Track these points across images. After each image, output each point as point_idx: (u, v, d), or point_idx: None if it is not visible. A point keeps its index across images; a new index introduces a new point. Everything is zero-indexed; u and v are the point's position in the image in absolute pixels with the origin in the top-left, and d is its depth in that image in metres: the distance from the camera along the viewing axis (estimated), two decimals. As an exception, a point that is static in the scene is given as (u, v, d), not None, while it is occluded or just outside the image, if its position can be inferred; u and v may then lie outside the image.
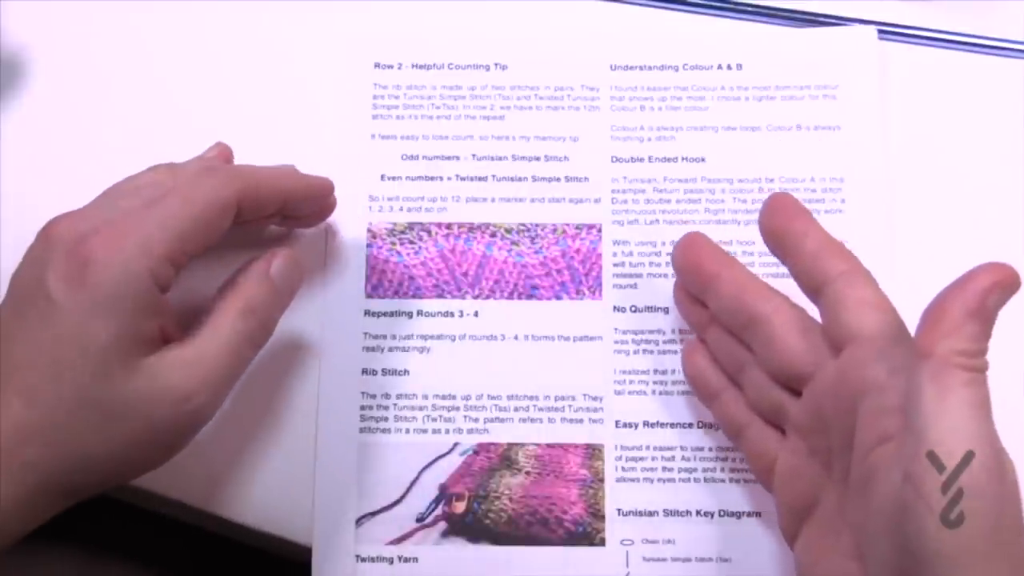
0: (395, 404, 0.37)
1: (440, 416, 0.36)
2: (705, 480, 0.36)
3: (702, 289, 0.33)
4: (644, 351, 0.37)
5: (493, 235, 0.38)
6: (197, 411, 0.30)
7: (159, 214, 0.30)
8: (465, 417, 0.36)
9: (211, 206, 0.31)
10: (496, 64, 0.40)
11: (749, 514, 0.35)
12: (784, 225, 0.31)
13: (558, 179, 0.39)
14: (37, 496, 0.28)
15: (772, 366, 0.31)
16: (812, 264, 0.30)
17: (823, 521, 0.30)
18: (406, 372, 0.37)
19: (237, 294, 0.32)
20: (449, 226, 0.38)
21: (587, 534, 0.36)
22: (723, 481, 0.36)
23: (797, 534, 0.31)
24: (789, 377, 0.31)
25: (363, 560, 0.35)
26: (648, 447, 0.36)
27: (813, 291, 0.30)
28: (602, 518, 0.36)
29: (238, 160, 0.37)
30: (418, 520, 0.36)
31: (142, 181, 0.32)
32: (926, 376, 0.25)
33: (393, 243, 0.38)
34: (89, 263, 0.28)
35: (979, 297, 0.25)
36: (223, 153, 0.36)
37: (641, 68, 0.40)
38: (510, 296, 0.38)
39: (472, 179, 0.39)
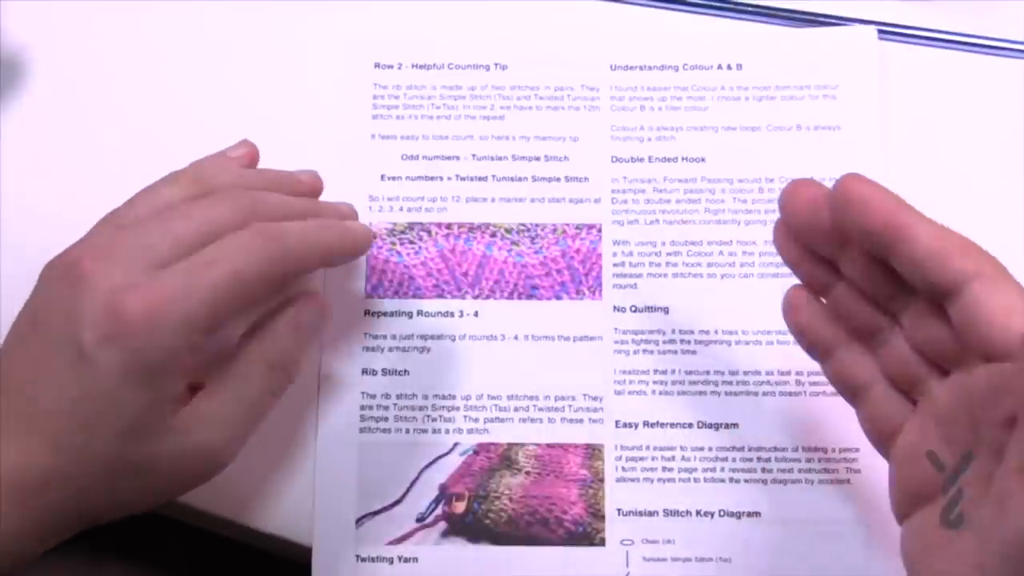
0: (395, 404, 0.37)
1: (440, 416, 0.36)
2: (705, 480, 0.36)
3: (833, 251, 0.29)
4: (644, 351, 0.37)
5: (493, 235, 0.38)
6: (221, 464, 0.31)
7: (205, 284, 0.28)
8: (465, 417, 0.37)
9: (260, 284, 0.30)
10: (496, 64, 0.40)
11: (749, 514, 0.35)
12: (885, 222, 0.26)
13: (558, 179, 0.39)
14: (59, 530, 0.29)
15: (924, 342, 0.27)
16: (933, 270, 0.26)
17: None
18: (406, 372, 0.37)
19: (267, 345, 0.32)
20: (449, 226, 0.38)
21: (587, 534, 0.36)
22: (723, 481, 0.36)
23: (910, 514, 0.28)
24: (941, 357, 0.27)
25: (363, 560, 0.35)
26: (648, 447, 0.36)
27: (941, 298, 0.26)
28: (602, 518, 0.36)
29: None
30: (418, 520, 0.36)
31: (170, 197, 0.31)
32: None
33: (393, 243, 0.38)
34: (128, 327, 0.27)
35: None
36: (250, 154, 0.35)
37: (641, 68, 0.40)
38: (510, 296, 0.38)
39: (472, 179, 0.39)
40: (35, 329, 0.29)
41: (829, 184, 0.38)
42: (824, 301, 0.30)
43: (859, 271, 0.28)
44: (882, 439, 0.29)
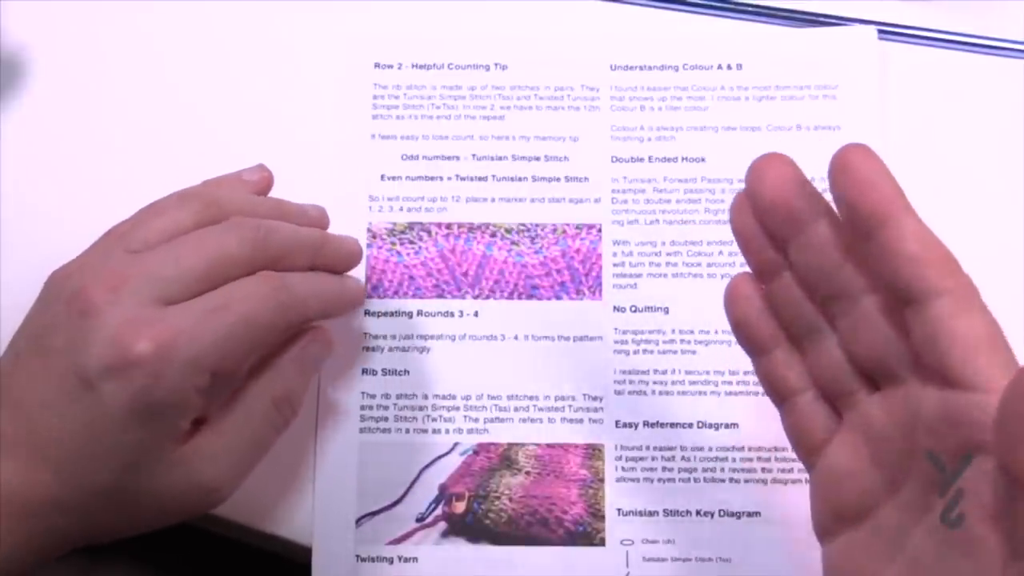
0: (395, 404, 0.37)
1: (440, 416, 0.36)
2: (705, 480, 0.36)
3: (789, 231, 0.27)
4: (644, 351, 0.37)
5: (493, 235, 0.38)
6: (222, 498, 0.31)
7: (215, 328, 0.29)
8: (465, 417, 0.37)
9: (267, 331, 0.30)
10: (496, 64, 0.40)
11: (749, 514, 0.35)
12: (878, 208, 0.25)
13: (558, 179, 0.39)
14: (58, 549, 0.29)
15: (860, 351, 0.26)
16: (909, 270, 0.24)
17: (874, 538, 0.26)
18: (406, 372, 0.37)
19: (272, 382, 0.32)
20: (449, 226, 0.38)
21: (587, 534, 0.36)
22: (723, 481, 0.36)
23: (834, 534, 0.27)
24: (875, 370, 0.26)
25: (363, 560, 0.35)
26: (648, 447, 0.36)
27: (903, 299, 0.25)
28: (602, 518, 0.36)
29: (239, 161, 0.37)
30: (418, 520, 0.36)
31: (180, 221, 0.31)
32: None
33: (393, 243, 0.38)
34: (136, 363, 0.27)
35: None
36: (265, 179, 0.35)
37: (641, 68, 0.40)
38: (510, 296, 0.38)
39: (472, 179, 0.39)
40: (40, 352, 0.29)
41: (828, 184, 0.38)
42: (766, 290, 0.29)
43: (810, 260, 0.27)
44: (806, 450, 0.29)
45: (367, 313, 0.37)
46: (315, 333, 0.34)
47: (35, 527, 0.28)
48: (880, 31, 0.40)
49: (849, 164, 0.25)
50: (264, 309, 0.30)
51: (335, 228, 0.38)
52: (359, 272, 0.38)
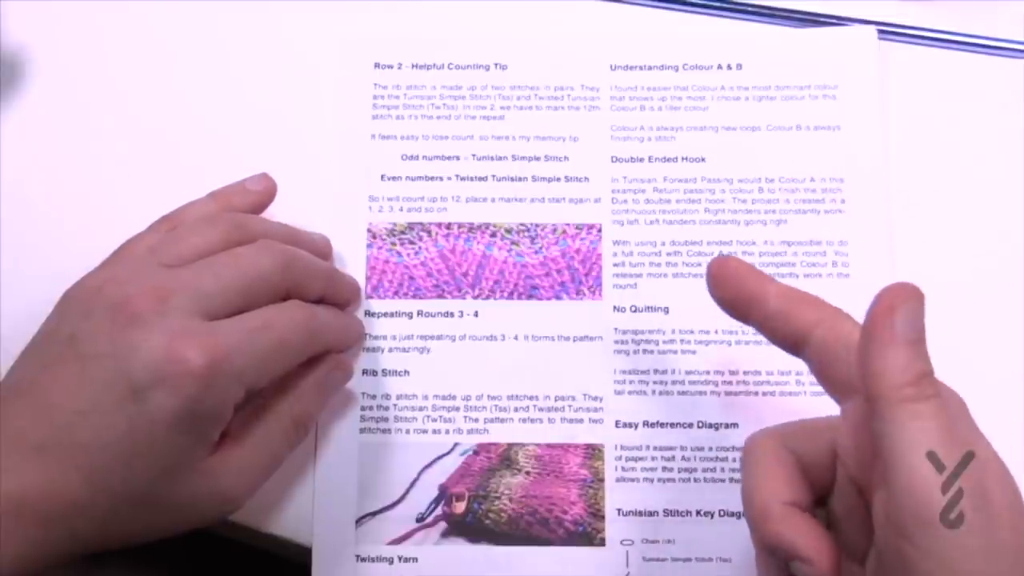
0: (395, 404, 0.37)
1: (440, 416, 0.36)
2: (705, 480, 0.36)
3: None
4: (644, 351, 0.37)
5: (493, 235, 0.38)
6: (237, 507, 0.32)
7: (259, 345, 0.30)
8: (465, 417, 0.37)
9: (298, 354, 0.32)
10: (496, 64, 0.40)
11: (749, 514, 0.35)
12: (736, 291, 0.29)
13: (558, 179, 0.39)
14: (73, 553, 0.29)
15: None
16: (782, 321, 0.28)
17: None
18: (406, 372, 0.37)
19: (295, 403, 0.33)
20: (449, 226, 0.38)
21: (587, 534, 0.36)
22: (723, 481, 0.36)
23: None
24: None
25: (363, 560, 0.35)
26: (648, 447, 0.36)
27: (794, 348, 0.29)
28: (602, 518, 0.36)
29: (239, 161, 0.37)
30: (418, 520, 0.36)
31: (211, 239, 0.32)
32: (879, 427, 0.24)
33: (393, 243, 0.38)
34: (188, 375, 0.28)
35: (888, 327, 0.24)
36: (269, 190, 0.36)
37: (641, 68, 0.40)
38: (510, 296, 0.38)
39: (472, 179, 0.39)
40: (78, 359, 0.29)
41: (829, 184, 0.38)
42: None
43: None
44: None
45: (367, 313, 0.37)
46: (338, 360, 0.35)
47: (55, 532, 0.28)
48: (880, 31, 0.40)
49: (711, 275, 0.30)
50: (299, 334, 0.32)
51: (335, 228, 0.38)
52: (359, 269, 0.38)
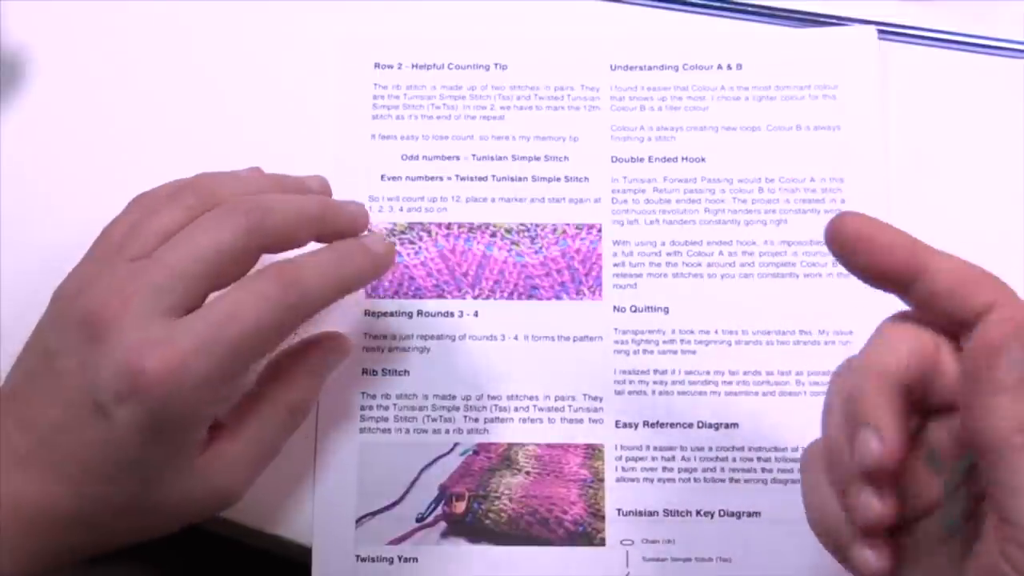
0: (395, 404, 0.37)
1: (440, 416, 0.36)
2: (705, 480, 0.36)
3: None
4: (644, 351, 0.37)
5: (493, 235, 0.38)
6: (236, 501, 0.31)
7: (225, 340, 0.28)
8: (465, 417, 0.36)
9: (278, 334, 0.30)
10: (496, 64, 0.40)
11: (749, 514, 0.35)
12: (898, 264, 0.25)
13: (558, 179, 0.39)
14: (71, 558, 0.29)
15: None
16: (951, 303, 0.25)
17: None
18: (406, 372, 0.37)
19: (288, 389, 0.32)
20: (449, 226, 0.38)
21: (587, 534, 0.36)
22: (723, 481, 0.36)
23: None
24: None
25: (363, 560, 0.35)
26: (648, 447, 0.36)
27: (962, 329, 0.25)
28: (602, 518, 0.36)
29: (239, 161, 0.37)
30: (418, 520, 0.36)
31: (174, 218, 0.30)
32: (991, 474, 0.23)
33: (393, 243, 0.38)
34: (148, 387, 0.27)
35: (994, 369, 0.22)
36: (263, 178, 0.34)
37: (641, 68, 0.40)
38: (510, 296, 0.38)
39: (472, 179, 0.39)
40: (51, 374, 0.29)
41: (829, 184, 0.38)
42: None
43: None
44: None
45: (367, 313, 0.37)
46: (333, 341, 0.34)
47: (51, 539, 0.28)
48: (880, 31, 0.40)
49: (854, 234, 0.26)
50: (273, 314, 0.29)
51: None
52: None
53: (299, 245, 0.31)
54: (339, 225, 0.32)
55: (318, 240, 0.32)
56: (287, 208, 0.30)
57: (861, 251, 0.25)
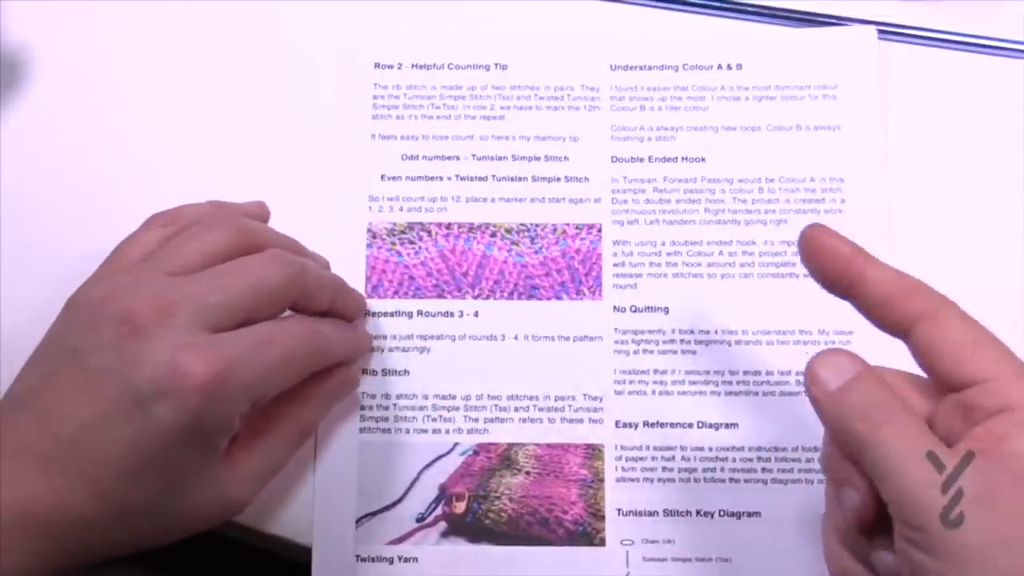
0: (395, 404, 0.37)
1: (440, 416, 0.36)
2: (705, 480, 0.36)
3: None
4: (644, 351, 0.37)
5: (493, 235, 0.38)
6: (241, 511, 0.32)
7: (263, 360, 0.30)
8: (465, 417, 0.37)
9: (302, 370, 0.32)
10: (496, 64, 0.40)
11: (749, 514, 0.35)
12: (832, 271, 0.28)
13: (558, 179, 0.39)
14: (81, 563, 0.29)
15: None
16: (885, 310, 0.28)
17: None
18: (406, 372, 0.37)
19: (302, 412, 0.34)
20: (449, 226, 0.38)
21: (587, 534, 0.36)
22: (723, 481, 0.36)
23: None
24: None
25: (363, 560, 0.35)
26: (648, 447, 0.36)
27: (898, 335, 0.28)
28: (602, 518, 0.36)
29: (239, 161, 0.37)
30: (418, 520, 0.36)
31: (216, 245, 0.32)
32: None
33: (393, 243, 0.38)
34: (192, 388, 0.28)
35: None
36: (260, 211, 0.37)
37: (641, 68, 0.40)
38: (510, 296, 0.38)
39: (472, 179, 0.39)
40: (82, 372, 0.29)
41: (829, 184, 0.38)
42: None
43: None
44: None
45: (367, 313, 0.37)
46: (345, 373, 0.35)
47: (63, 543, 0.28)
48: (880, 31, 0.40)
49: (810, 243, 0.28)
50: (302, 349, 0.31)
51: (335, 228, 0.38)
52: (359, 269, 0.38)
53: (316, 309, 0.33)
54: (348, 302, 0.35)
55: (326, 313, 0.34)
56: (319, 272, 0.34)
57: (807, 258, 0.28)
